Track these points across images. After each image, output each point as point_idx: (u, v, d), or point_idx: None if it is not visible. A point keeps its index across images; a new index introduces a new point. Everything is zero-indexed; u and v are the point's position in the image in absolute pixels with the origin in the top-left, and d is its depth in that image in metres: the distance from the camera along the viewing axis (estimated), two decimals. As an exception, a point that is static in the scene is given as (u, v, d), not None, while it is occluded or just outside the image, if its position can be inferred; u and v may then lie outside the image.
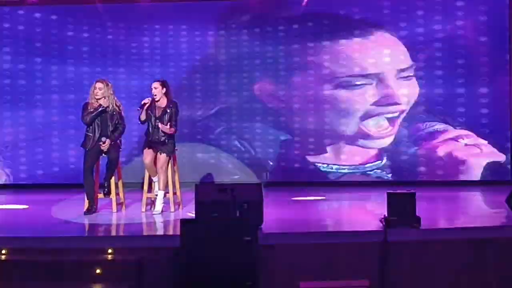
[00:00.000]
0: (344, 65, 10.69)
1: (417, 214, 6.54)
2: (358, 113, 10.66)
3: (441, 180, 10.44)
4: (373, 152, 10.70)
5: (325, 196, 9.41)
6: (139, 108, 8.12)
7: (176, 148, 8.29)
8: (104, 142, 7.97)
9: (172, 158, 8.25)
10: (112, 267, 6.11)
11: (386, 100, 10.62)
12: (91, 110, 7.98)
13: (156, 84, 8.16)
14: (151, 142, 8.14)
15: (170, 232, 7.17)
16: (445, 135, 10.57)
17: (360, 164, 10.70)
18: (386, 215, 6.53)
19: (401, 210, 6.51)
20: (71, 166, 10.93)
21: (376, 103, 10.62)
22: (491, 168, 10.44)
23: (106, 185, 8.09)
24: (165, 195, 8.10)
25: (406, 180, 10.30)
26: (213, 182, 10.68)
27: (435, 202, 8.72)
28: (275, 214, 7.55)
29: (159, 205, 8.02)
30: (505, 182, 10.02)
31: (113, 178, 8.13)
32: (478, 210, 8.74)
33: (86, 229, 7.36)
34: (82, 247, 6.41)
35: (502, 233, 6.55)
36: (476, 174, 10.47)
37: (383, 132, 10.68)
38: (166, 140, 8.09)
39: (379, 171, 10.67)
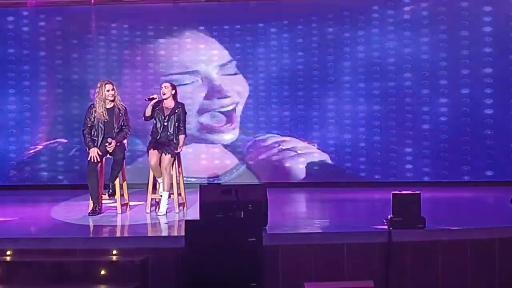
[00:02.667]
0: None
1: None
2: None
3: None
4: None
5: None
6: (146, 99, 8.21)
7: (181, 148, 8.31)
8: (110, 143, 7.98)
9: (176, 159, 8.26)
10: (117, 268, 6.11)
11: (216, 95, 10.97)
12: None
13: (167, 84, 8.29)
14: (158, 142, 8.15)
15: (175, 233, 7.18)
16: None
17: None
18: (391, 216, 6.52)
19: (405, 210, 6.50)
20: (75, 167, 10.95)
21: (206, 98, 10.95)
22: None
23: (110, 186, 8.11)
24: (169, 196, 8.11)
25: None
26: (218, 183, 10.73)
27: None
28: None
29: (163, 206, 8.03)
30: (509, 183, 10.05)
31: (117, 179, 8.14)
32: (482, 211, 8.72)
33: (91, 230, 7.36)
34: (87, 248, 6.41)
35: (507, 234, 6.54)
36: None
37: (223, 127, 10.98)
38: (173, 138, 8.12)
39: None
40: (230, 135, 11.08)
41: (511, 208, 7.10)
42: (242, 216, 6.44)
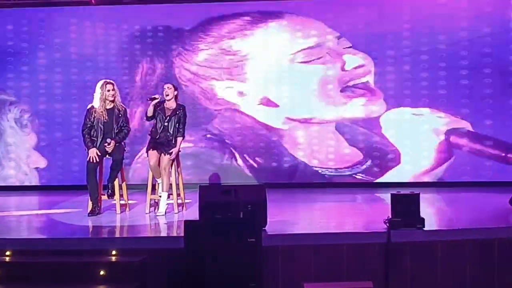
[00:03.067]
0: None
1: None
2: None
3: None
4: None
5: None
6: (148, 99, 8.22)
7: (180, 150, 8.31)
8: (109, 143, 7.98)
9: (176, 160, 8.26)
10: (116, 268, 6.11)
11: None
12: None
13: (169, 85, 8.30)
14: (157, 142, 8.15)
15: (174, 234, 7.18)
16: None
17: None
18: (390, 216, 6.52)
19: (405, 211, 6.50)
20: (74, 167, 10.95)
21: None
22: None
23: (110, 186, 8.11)
24: (168, 197, 8.11)
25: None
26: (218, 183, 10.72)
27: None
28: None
29: (162, 207, 8.03)
30: (508, 183, 10.05)
31: (116, 179, 8.14)
32: (482, 211, 8.72)
33: (90, 230, 7.36)
34: (86, 248, 6.42)
35: (507, 234, 6.54)
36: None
37: None
38: (172, 139, 8.13)
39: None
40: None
41: (511, 208, 7.09)
42: (242, 216, 6.44)
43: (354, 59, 10.72)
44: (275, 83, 10.86)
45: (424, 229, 6.48)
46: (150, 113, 8.20)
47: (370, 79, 10.70)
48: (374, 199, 9.43)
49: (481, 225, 7.03)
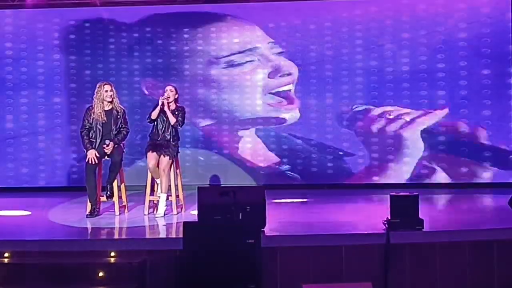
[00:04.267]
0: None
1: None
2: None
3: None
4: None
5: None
6: (164, 100, 8.15)
7: (178, 151, 8.31)
8: (107, 145, 7.98)
9: (175, 161, 8.26)
10: (114, 270, 6.11)
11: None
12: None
13: (171, 87, 8.26)
14: (156, 144, 8.15)
15: (173, 235, 7.18)
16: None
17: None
18: (389, 217, 6.52)
19: (404, 212, 6.50)
20: (73, 169, 10.95)
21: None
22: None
23: (108, 188, 8.10)
24: (167, 198, 8.11)
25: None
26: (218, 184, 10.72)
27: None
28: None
29: (161, 208, 8.03)
30: (507, 184, 10.07)
31: (115, 181, 8.14)
32: (481, 212, 8.72)
33: (89, 232, 7.36)
34: (85, 250, 6.41)
35: (506, 235, 6.54)
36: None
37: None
38: (173, 140, 8.12)
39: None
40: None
41: (510, 209, 7.09)
42: (240, 218, 6.43)
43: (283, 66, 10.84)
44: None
45: (423, 230, 6.49)
46: (154, 116, 8.16)
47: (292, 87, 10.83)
48: (373, 200, 9.42)
49: (480, 227, 7.04)
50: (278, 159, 10.84)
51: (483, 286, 6.35)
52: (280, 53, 10.81)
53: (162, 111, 8.16)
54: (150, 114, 8.21)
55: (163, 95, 8.24)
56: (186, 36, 10.96)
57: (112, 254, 6.28)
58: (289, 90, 10.81)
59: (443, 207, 8.94)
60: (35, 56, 11.05)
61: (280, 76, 10.81)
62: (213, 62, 10.92)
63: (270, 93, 10.81)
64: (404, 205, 6.53)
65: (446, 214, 8.32)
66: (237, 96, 10.89)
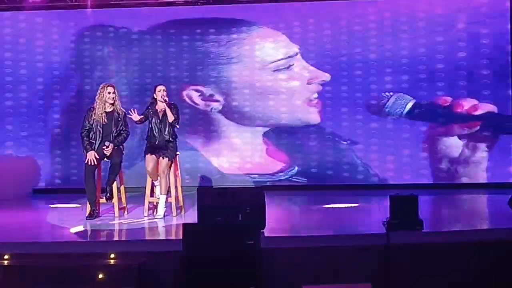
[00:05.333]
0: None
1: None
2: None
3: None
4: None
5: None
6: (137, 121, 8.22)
7: (177, 152, 8.31)
8: (107, 147, 7.97)
9: (174, 163, 8.26)
10: (114, 271, 6.10)
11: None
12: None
13: (163, 87, 8.26)
14: (155, 146, 8.14)
15: (173, 237, 7.17)
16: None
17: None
18: (389, 218, 6.52)
19: (403, 212, 6.51)
20: (72, 171, 10.95)
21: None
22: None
23: (108, 189, 8.09)
24: (167, 200, 8.11)
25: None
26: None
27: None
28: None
29: (161, 210, 8.03)
30: (508, 184, 10.08)
31: (115, 182, 8.13)
32: (480, 212, 8.73)
33: (88, 234, 7.35)
34: (84, 252, 6.41)
35: (505, 235, 6.54)
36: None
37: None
38: (172, 140, 8.12)
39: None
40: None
41: (510, 210, 7.09)
42: (240, 219, 6.43)
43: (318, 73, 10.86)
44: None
45: (423, 230, 6.49)
46: (139, 122, 8.22)
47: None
48: (373, 201, 9.43)
49: (480, 227, 7.04)
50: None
51: (483, 286, 6.35)
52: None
53: (150, 111, 8.16)
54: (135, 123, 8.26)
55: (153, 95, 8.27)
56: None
57: (112, 256, 6.27)
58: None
59: (442, 208, 8.94)
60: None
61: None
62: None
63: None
64: (404, 205, 6.53)
65: (445, 215, 8.32)
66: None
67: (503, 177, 10.42)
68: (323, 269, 6.32)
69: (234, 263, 5.93)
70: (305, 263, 6.34)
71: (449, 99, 10.58)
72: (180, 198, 8.38)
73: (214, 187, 10.54)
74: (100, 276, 6.04)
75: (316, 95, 10.86)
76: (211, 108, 10.97)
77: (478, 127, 10.52)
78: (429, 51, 10.60)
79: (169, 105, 8.19)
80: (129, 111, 8.15)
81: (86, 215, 7.95)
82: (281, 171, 10.91)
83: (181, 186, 8.45)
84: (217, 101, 11.00)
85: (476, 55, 10.50)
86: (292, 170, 10.89)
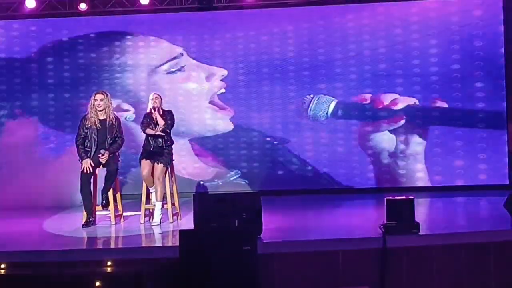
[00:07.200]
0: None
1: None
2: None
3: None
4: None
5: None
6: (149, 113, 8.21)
7: (173, 159, 8.31)
8: (103, 154, 7.96)
9: (169, 169, 8.25)
10: (111, 279, 6.09)
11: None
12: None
13: (156, 95, 8.26)
14: (150, 152, 8.14)
15: (169, 243, 7.16)
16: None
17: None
18: (385, 222, 6.52)
19: (400, 216, 6.51)
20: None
21: None
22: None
23: (104, 197, 8.08)
24: (163, 206, 8.10)
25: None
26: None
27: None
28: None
29: (157, 216, 8.02)
30: (503, 186, 10.08)
31: (111, 190, 8.12)
32: (476, 214, 8.74)
33: (85, 241, 7.34)
34: (81, 260, 6.40)
35: (502, 237, 6.55)
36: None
37: None
38: (166, 146, 8.11)
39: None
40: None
41: (506, 211, 7.10)
42: (236, 224, 6.43)
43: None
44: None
45: (420, 233, 6.49)
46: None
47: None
48: (369, 204, 9.43)
49: (476, 229, 7.05)
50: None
51: (480, 288, 6.37)
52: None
53: (148, 119, 8.17)
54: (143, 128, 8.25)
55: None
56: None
57: (109, 263, 6.27)
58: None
59: (438, 210, 8.95)
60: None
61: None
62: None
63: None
64: (400, 209, 6.54)
65: (442, 217, 8.32)
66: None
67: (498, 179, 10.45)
68: (320, 274, 6.32)
69: (231, 268, 5.92)
70: (302, 268, 6.33)
71: (368, 96, 10.67)
72: (177, 204, 8.38)
73: (210, 193, 10.55)
74: (98, 284, 6.02)
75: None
76: (125, 118, 10.84)
77: (403, 121, 10.61)
78: (423, 55, 10.63)
79: (163, 111, 8.20)
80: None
81: (82, 223, 7.93)
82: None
83: (177, 193, 8.44)
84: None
85: (470, 57, 10.52)
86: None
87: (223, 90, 10.94)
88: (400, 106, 10.65)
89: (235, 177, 10.94)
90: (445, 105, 10.54)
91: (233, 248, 5.95)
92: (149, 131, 8.15)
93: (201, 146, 11.00)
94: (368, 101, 10.68)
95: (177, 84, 10.99)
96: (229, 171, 10.97)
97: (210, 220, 6.51)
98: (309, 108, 10.77)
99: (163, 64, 11.03)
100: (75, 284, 6.08)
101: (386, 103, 10.67)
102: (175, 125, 8.36)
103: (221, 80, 10.96)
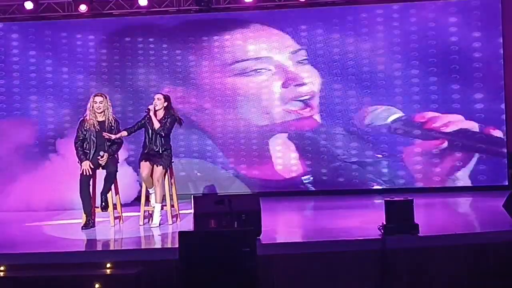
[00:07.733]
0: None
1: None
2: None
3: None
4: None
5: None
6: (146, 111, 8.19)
7: (172, 161, 8.30)
8: (102, 156, 7.96)
9: (169, 171, 8.25)
10: (111, 281, 6.09)
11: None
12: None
13: (159, 96, 8.21)
14: (148, 154, 8.14)
15: (169, 245, 7.17)
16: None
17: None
18: (384, 223, 6.53)
19: (399, 217, 6.52)
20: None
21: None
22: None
23: (103, 199, 8.08)
24: (162, 208, 8.10)
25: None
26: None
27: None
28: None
29: (156, 218, 8.01)
30: (502, 187, 10.10)
31: (110, 191, 8.12)
32: (476, 215, 8.75)
33: (84, 243, 7.34)
34: (80, 262, 6.40)
35: (501, 238, 6.55)
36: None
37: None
38: (162, 151, 8.10)
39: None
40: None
41: (505, 213, 7.10)
42: (236, 226, 6.43)
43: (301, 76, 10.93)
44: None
45: (419, 235, 6.50)
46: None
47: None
48: (368, 205, 9.43)
49: (475, 230, 7.05)
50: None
51: (480, 289, 6.38)
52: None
53: (147, 120, 8.15)
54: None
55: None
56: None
57: (108, 265, 6.27)
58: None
59: (437, 211, 8.95)
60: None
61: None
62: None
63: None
64: (399, 210, 6.54)
65: (441, 218, 8.32)
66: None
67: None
68: (319, 275, 6.32)
69: (230, 270, 5.92)
70: (302, 269, 6.34)
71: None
72: (176, 206, 8.37)
73: (209, 194, 10.56)
74: (97, 286, 6.02)
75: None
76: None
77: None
78: (422, 55, 10.65)
79: (164, 114, 8.15)
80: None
81: (82, 225, 7.93)
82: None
83: (176, 194, 8.44)
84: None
85: (468, 57, 10.54)
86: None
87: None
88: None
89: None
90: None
91: (232, 249, 5.95)
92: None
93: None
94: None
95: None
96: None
97: (210, 221, 6.51)
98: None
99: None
100: (75, 286, 6.08)
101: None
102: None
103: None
